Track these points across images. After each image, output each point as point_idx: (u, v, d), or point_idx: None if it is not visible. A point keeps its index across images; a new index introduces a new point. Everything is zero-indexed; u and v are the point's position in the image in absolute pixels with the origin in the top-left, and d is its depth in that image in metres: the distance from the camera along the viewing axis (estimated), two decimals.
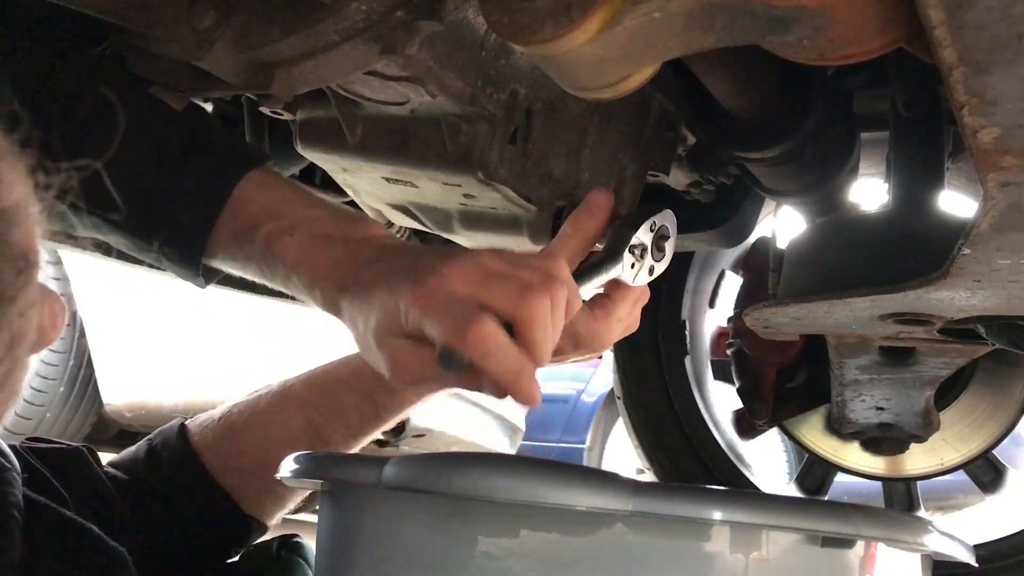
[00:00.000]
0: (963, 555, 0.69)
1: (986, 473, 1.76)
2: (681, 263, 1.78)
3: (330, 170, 1.14)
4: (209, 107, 1.21)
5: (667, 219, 0.87)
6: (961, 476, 1.73)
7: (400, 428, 2.89)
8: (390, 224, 1.28)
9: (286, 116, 1.07)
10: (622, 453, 5.02)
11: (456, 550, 0.63)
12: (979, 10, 0.44)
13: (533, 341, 0.70)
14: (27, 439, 0.86)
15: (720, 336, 1.84)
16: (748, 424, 1.68)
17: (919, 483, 1.76)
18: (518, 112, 0.99)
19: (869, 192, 1.43)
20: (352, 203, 1.24)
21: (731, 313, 1.69)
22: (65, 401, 3.12)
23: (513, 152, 1.00)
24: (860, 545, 0.64)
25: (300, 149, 1.09)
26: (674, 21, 0.55)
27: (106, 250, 1.28)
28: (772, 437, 4.19)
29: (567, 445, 5.34)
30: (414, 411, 1.01)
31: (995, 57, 0.47)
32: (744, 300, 1.63)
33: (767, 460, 4.71)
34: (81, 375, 3.14)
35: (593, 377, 5.43)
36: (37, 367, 2.99)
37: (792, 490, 1.86)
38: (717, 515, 0.58)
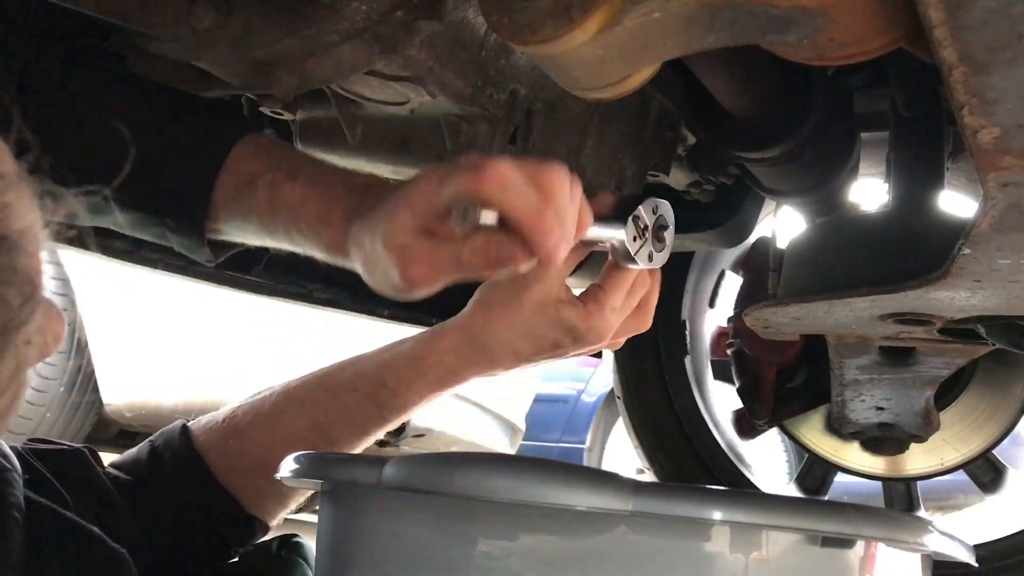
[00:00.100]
0: (963, 555, 0.69)
1: (986, 473, 1.75)
2: (681, 263, 1.78)
3: None
4: None
5: (667, 209, 0.88)
6: (961, 476, 1.73)
7: (400, 428, 2.89)
8: None
9: (286, 116, 1.07)
10: (622, 453, 5.02)
11: (456, 550, 0.63)
12: (979, 10, 0.44)
13: (549, 181, 0.71)
14: (28, 440, 0.86)
15: (720, 336, 1.83)
16: (748, 424, 1.67)
17: (919, 483, 1.76)
18: (518, 112, 0.99)
19: (869, 192, 1.43)
20: None
21: (731, 313, 1.69)
22: (65, 401, 3.12)
23: (513, 152, 1.00)
24: (860, 545, 0.64)
25: (300, 149, 1.09)
26: (674, 21, 0.55)
27: (107, 250, 1.28)
28: (772, 437, 4.19)
29: (567, 445, 5.34)
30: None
31: (995, 57, 0.47)
32: (744, 300, 1.63)
33: (767, 460, 4.71)
34: (81, 375, 3.14)
35: (593, 377, 5.43)
36: (37, 367, 2.98)
37: (792, 490, 1.86)
38: (717, 515, 0.58)
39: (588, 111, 1.06)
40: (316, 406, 0.96)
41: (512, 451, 3.78)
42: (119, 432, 3.37)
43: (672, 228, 0.88)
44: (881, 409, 1.42)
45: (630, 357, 1.84)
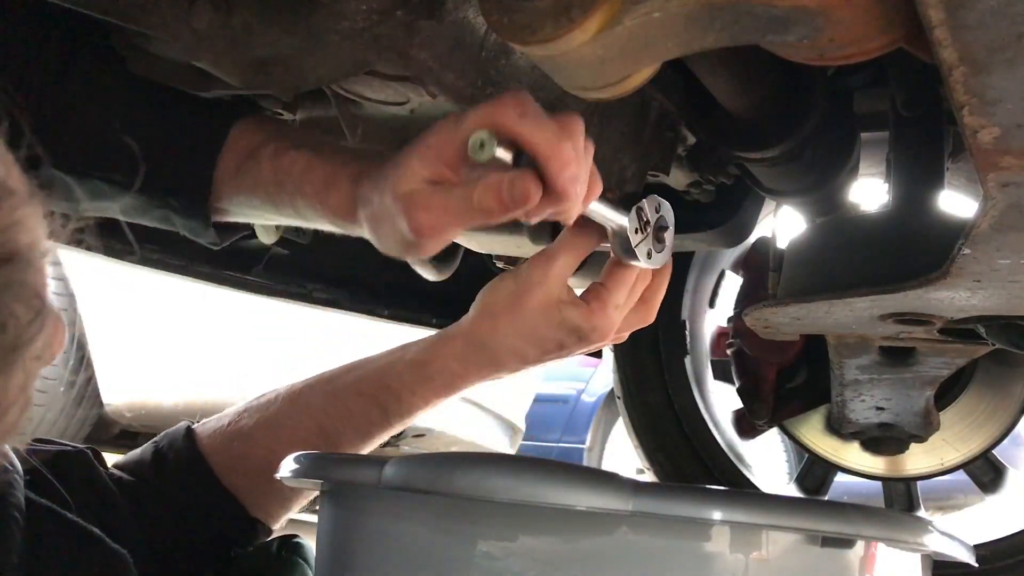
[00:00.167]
0: (963, 555, 0.69)
1: (986, 473, 1.75)
2: (681, 263, 1.78)
3: None
4: None
5: (668, 210, 0.88)
6: (961, 476, 1.73)
7: None
8: None
9: (286, 116, 1.07)
10: (622, 453, 5.02)
11: (456, 550, 0.63)
12: (979, 10, 0.44)
13: (568, 119, 0.71)
14: (32, 440, 0.86)
15: (720, 336, 1.83)
16: (748, 424, 1.67)
17: (919, 483, 1.76)
18: None
19: (869, 192, 1.43)
20: None
21: (731, 313, 1.69)
22: (65, 401, 3.12)
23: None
24: (860, 545, 0.64)
25: None
26: (674, 21, 0.55)
27: (107, 250, 1.28)
28: (772, 437, 4.19)
29: (567, 445, 5.34)
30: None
31: (995, 57, 0.47)
32: (744, 300, 1.63)
33: (767, 460, 4.71)
34: (81, 375, 3.14)
35: (593, 377, 5.43)
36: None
37: (792, 490, 1.86)
38: (717, 515, 0.58)
39: (588, 111, 1.06)
40: (321, 410, 0.96)
41: (512, 451, 3.78)
42: (119, 432, 3.37)
43: (672, 230, 0.89)
44: (881, 409, 1.42)
45: (630, 357, 1.84)
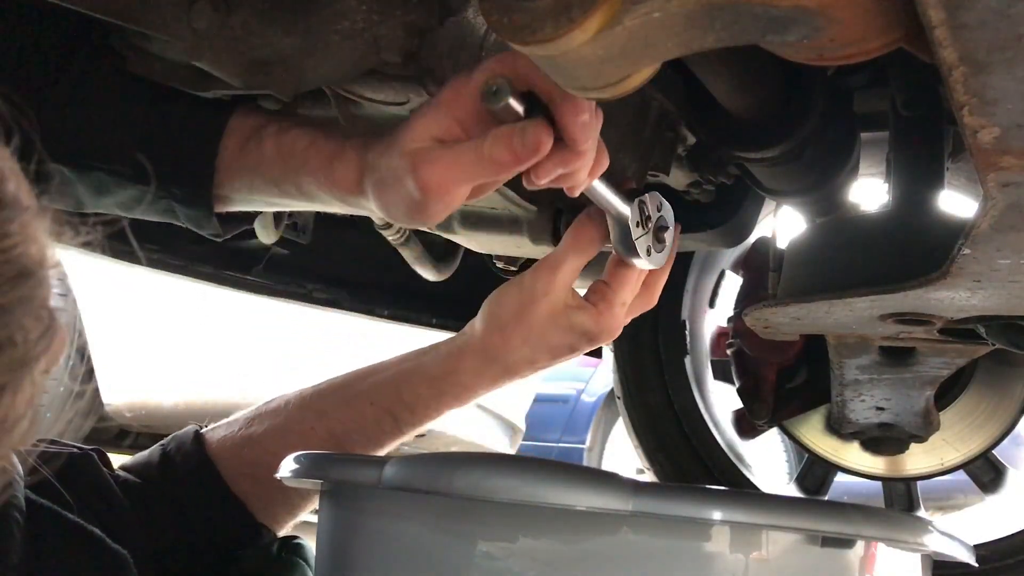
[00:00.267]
0: (963, 555, 0.69)
1: (986, 473, 1.75)
2: (681, 263, 1.78)
3: None
4: None
5: (668, 210, 0.89)
6: (961, 476, 1.73)
7: None
8: (389, 224, 1.28)
9: None
10: (622, 453, 5.02)
11: (456, 550, 0.63)
12: (979, 10, 0.44)
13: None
14: (37, 441, 0.86)
15: (720, 336, 1.83)
16: (748, 424, 1.68)
17: (919, 483, 1.76)
18: None
19: (869, 192, 1.43)
20: None
21: (731, 313, 1.69)
22: (65, 401, 3.12)
23: None
24: (860, 545, 0.64)
25: None
26: (674, 21, 0.55)
27: (108, 250, 1.28)
28: (772, 437, 4.19)
29: (567, 445, 5.34)
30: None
31: (995, 57, 0.47)
32: (744, 300, 1.63)
33: (767, 460, 4.71)
34: (81, 375, 3.14)
35: (593, 377, 5.43)
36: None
37: (792, 490, 1.86)
38: (717, 515, 0.58)
39: None
40: (333, 417, 0.96)
41: (512, 451, 3.78)
42: (119, 432, 3.37)
43: (672, 231, 0.89)
44: (881, 409, 1.42)
45: (630, 357, 1.84)
